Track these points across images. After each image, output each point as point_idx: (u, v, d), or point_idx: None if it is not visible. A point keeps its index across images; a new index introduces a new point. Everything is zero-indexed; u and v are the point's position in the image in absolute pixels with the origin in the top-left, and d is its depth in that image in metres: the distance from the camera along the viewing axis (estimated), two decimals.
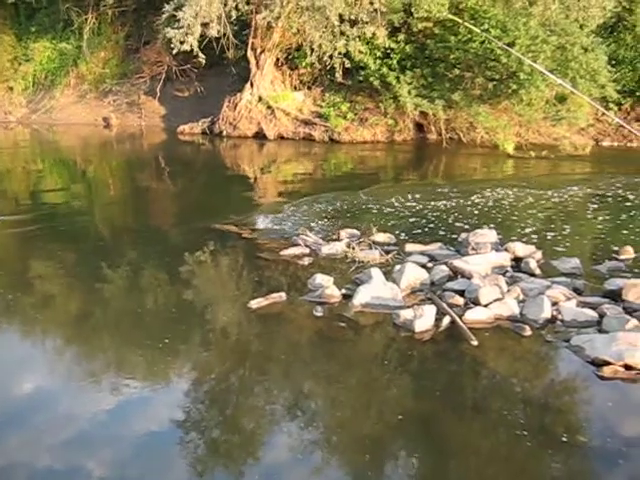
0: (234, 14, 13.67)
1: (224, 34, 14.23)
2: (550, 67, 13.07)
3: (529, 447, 3.19)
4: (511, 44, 13.14)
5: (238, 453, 3.31)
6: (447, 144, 13.92)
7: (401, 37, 14.52)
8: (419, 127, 15.07)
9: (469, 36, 13.70)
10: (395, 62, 14.48)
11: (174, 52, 14.19)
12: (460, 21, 11.71)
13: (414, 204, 8.51)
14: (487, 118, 13.57)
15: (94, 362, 4.29)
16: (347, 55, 13.91)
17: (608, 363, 3.87)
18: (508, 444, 3.28)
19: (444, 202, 8.64)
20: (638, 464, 3.11)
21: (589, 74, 13.18)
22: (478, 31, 11.92)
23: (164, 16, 14.13)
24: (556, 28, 13.34)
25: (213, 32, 13.69)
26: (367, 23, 13.53)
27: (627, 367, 3.85)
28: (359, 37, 13.71)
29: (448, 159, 13.37)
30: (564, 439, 3.24)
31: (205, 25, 13.47)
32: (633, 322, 4.27)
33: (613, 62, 15.20)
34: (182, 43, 13.40)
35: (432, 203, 8.56)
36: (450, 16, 8.36)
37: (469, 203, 8.61)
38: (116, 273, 5.88)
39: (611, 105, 15.74)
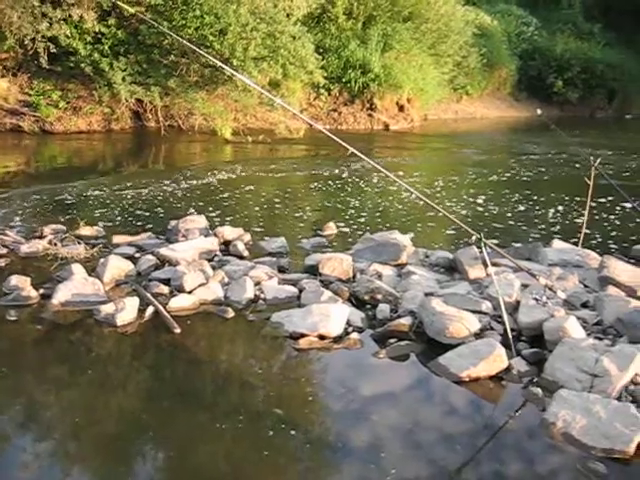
0: None
1: None
2: (262, 54, 13.48)
3: (246, 425, 3.19)
4: (224, 31, 13.31)
5: None
6: (166, 131, 13.72)
7: (112, 21, 13.89)
8: (137, 115, 14.66)
9: (183, 22, 13.58)
10: (107, 48, 13.83)
11: None
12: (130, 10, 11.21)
13: (130, 194, 8.22)
14: (204, 104, 13.63)
15: None
16: (54, 39, 13.00)
17: (304, 335, 4.04)
18: (240, 426, 3.21)
19: (161, 190, 8.48)
20: (327, 425, 3.28)
21: (298, 61, 13.84)
22: (157, 25, 11.54)
23: None
24: (265, 16, 13.75)
25: None
26: (73, 5, 12.74)
27: (321, 337, 4.04)
28: (65, 20, 12.88)
29: (168, 146, 13.21)
30: (264, 413, 3.30)
31: None
32: (327, 294, 4.51)
33: (321, 50, 16.15)
34: None
35: (148, 192, 8.36)
36: (127, 8, 8.03)
37: (186, 190, 8.55)
38: None
39: (322, 91, 16.76)
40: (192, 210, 7.28)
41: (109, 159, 12.42)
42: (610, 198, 8.19)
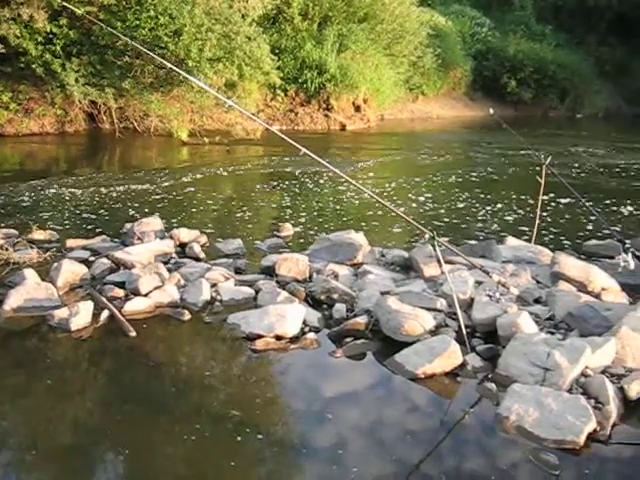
0: None
1: None
2: (218, 55, 13.42)
3: (206, 428, 3.17)
4: (179, 31, 13.20)
5: None
6: (121, 133, 13.56)
7: (64, 21, 13.63)
8: (91, 117, 14.47)
9: (137, 22, 13.43)
10: (59, 48, 13.57)
11: None
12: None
13: (84, 197, 8.11)
14: (160, 106, 13.51)
15: None
16: (3, 39, 12.70)
17: (261, 336, 4.03)
18: (201, 429, 3.17)
19: (116, 193, 8.38)
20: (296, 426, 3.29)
21: (254, 62, 13.82)
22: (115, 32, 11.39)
23: None
24: (220, 17, 13.69)
25: None
26: (22, 4, 12.47)
27: (278, 337, 4.05)
28: (14, 19, 12.59)
29: (123, 149, 13.05)
30: (232, 416, 3.28)
31: None
32: (284, 295, 4.51)
33: (277, 51, 16.15)
34: None
35: (103, 195, 8.26)
36: (75, 9, 7.93)
37: (141, 192, 8.47)
38: None
39: (278, 91, 16.75)
40: (148, 212, 7.21)
41: (63, 162, 12.23)
42: (561, 196, 8.36)
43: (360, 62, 18.55)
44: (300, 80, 17.35)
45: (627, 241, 5.00)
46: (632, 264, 4.63)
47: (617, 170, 11.99)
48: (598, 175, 11.40)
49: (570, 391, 3.38)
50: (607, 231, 6.39)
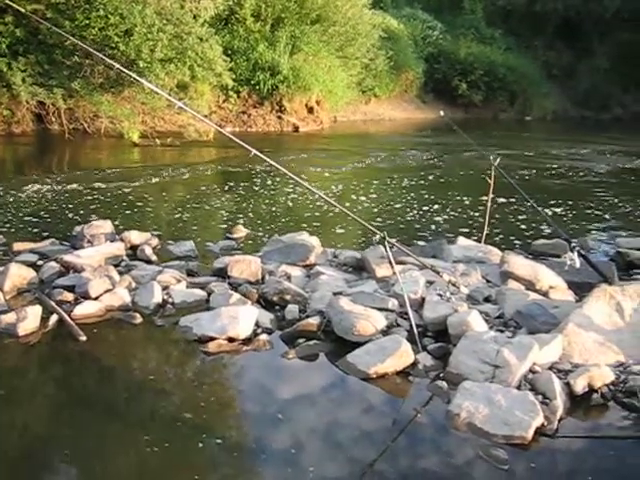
0: None
1: None
2: (169, 55, 13.32)
3: (159, 433, 3.13)
4: (130, 31, 13.05)
5: None
6: (70, 135, 13.33)
7: (9, 19, 13.33)
8: (40, 118, 14.19)
9: (87, 22, 13.21)
10: (5, 47, 13.28)
11: None
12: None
13: (32, 200, 7.95)
14: (110, 107, 13.33)
15: None
16: None
17: (213, 338, 4.01)
18: (154, 435, 3.13)
19: (65, 196, 8.23)
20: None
21: (206, 63, 13.75)
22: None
23: None
24: (172, 17, 13.60)
25: None
26: None
27: (230, 339, 4.03)
28: None
29: (72, 150, 12.83)
30: (184, 420, 3.25)
31: None
32: (236, 296, 4.50)
33: (229, 52, 16.09)
34: None
35: (51, 198, 8.10)
36: (18, 7, 7.76)
37: (91, 195, 8.34)
38: None
39: (231, 93, 16.68)
40: (98, 215, 7.10)
41: (9, 164, 11.97)
42: (510, 196, 8.50)
43: (313, 64, 18.59)
44: (253, 82, 17.30)
45: (573, 240, 5.12)
46: (578, 262, 4.74)
47: (564, 171, 12.28)
48: (546, 176, 11.65)
49: (519, 387, 3.44)
50: (553, 230, 6.54)
